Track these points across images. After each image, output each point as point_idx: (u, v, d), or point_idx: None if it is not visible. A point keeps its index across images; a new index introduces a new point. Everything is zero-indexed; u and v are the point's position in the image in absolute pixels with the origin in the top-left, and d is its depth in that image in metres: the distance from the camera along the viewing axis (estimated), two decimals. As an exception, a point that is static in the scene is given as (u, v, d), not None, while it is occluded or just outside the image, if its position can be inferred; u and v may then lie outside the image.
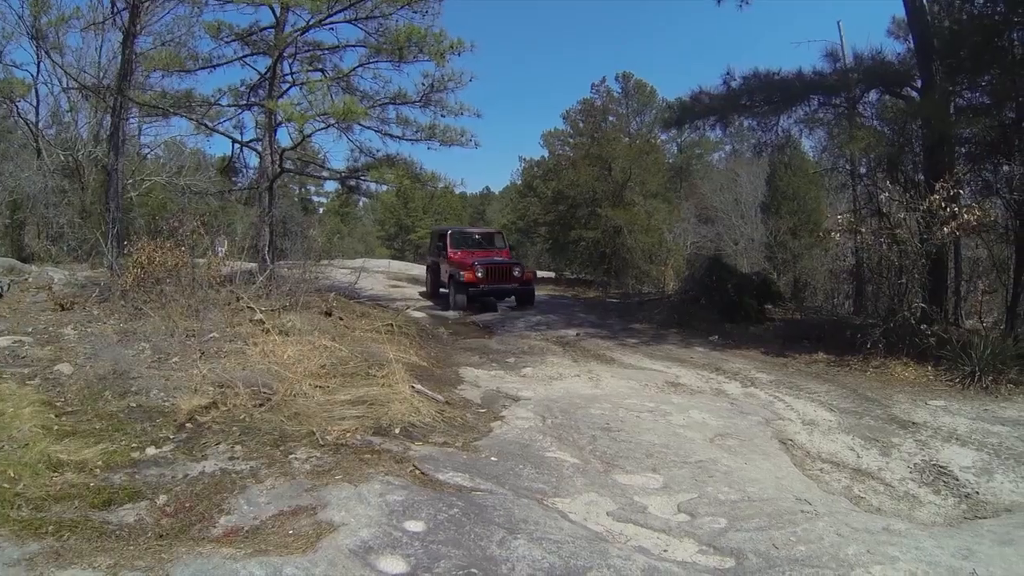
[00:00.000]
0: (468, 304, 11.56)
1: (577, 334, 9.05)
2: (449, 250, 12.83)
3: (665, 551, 2.77)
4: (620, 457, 3.90)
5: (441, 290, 13.39)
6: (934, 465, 4.19)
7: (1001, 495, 3.77)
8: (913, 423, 4.97)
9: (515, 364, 6.79)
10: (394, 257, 35.17)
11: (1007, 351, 6.13)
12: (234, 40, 10.20)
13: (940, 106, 8.32)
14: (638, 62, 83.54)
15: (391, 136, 11.54)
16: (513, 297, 12.50)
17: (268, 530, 2.69)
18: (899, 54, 9.97)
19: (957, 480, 3.95)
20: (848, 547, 2.84)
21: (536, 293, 13.18)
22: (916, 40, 9.07)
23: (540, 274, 19.80)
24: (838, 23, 11.60)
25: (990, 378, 5.91)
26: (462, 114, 11.20)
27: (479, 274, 11.68)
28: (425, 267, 15.57)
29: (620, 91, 21.99)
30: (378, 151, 12.09)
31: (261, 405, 4.34)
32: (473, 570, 2.41)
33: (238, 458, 3.49)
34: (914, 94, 9.34)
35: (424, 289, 15.01)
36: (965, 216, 6.74)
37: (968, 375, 6.02)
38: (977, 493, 3.79)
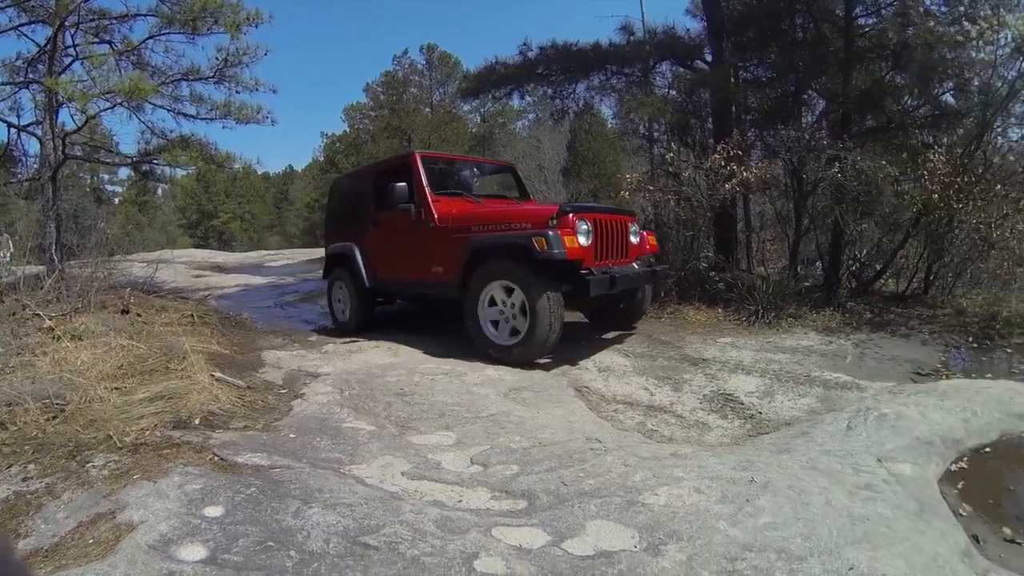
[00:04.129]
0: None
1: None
2: (428, 194, 5.79)
3: (459, 502, 2.70)
4: (414, 419, 3.78)
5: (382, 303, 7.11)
6: (722, 394, 4.33)
7: (781, 412, 3.96)
8: (703, 359, 5.15)
9: (317, 342, 6.40)
10: (198, 246, 32.50)
11: (786, 290, 6.66)
12: (9, 6, 8.56)
13: (725, 77, 9.24)
14: (449, 38, 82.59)
15: (185, 115, 10.45)
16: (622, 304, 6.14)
17: (68, 544, 2.43)
18: (688, 30, 10.72)
19: (742, 404, 4.11)
20: (635, 475, 2.83)
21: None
22: (709, 19, 9.84)
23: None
24: (640, 1, 12.22)
25: (772, 314, 6.38)
26: (258, 90, 10.47)
27: (584, 240, 4.82)
28: (324, 263, 7.70)
29: (424, 63, 21.70)
30: (172, 132, 10.86)
31: (54, 418, 3.89)
32: (270, 543, 2.33)
33: (32, 477, 3.08)
34: (705, 67, 10.08)
35: (332, 312, 7.46)
36: (744, 174, 7.29)
37: (753, 313, 6.48)
38: (760, 413, 3.96)
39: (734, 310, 6.74)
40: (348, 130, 19.77)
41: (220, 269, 15.79)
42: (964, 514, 2.83)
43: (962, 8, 7.73)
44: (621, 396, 4.38)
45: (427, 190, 5.84)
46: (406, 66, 19.92)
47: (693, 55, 10.31)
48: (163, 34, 9.57)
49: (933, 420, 3.58)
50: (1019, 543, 2.67)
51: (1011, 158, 7.28)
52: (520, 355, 4.83)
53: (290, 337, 6.74)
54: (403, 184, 5.78)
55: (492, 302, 5.07)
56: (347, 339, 6.26)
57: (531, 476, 2.91)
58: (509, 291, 4.92)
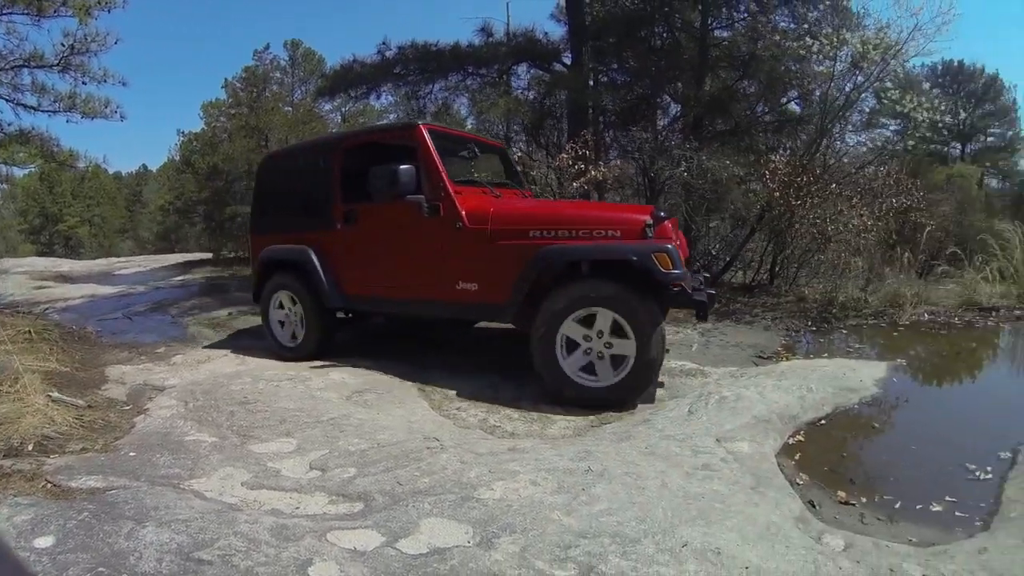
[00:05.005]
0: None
1: (230, 313, 8.07)
2: (449, 184, 4.39)
3: (297, 508, 2.64)
4: (256, 427, 3.63)
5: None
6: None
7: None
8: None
9: (165, 354, 5.88)
10: (41, 253, 29.43)
11: None
12: None
13: (582, 80, 9.46)
14: (315, 34, 79.77)
15: (25, 107, 9.23)
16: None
17: None
18: (547, 34, 10.89)
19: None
20: (471, 471, 2.81)
21: (193, 276, 10.42)
22: (571, 24, 9.95)
23: (197, 256, 17.79)
24: (507, 4, 12.35)
25: None
26: (106, 81, 9.32)
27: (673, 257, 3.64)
28: (256, 270, 5.70)
29: (288, 59, 20.82)
30: (10, 124, 9.56)
31: None
32: (100, 569, 2.19)
33: None
34: (565, 70, 10.26)
35: (271, 335, 5.51)
36: (592, 173, 7.35)
37: None
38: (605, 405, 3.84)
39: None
40: (205, 128, 18.55)
41: (65, 279, 14.25)
42: (801, 483, 2.94)
43: (807, 25, 8.38)
44: (467, 393, 4.21)
45: (446, 178, 4.39)
46: (267, 62, 19.00)
47: (551, 58, 10.51)
48: (5, 13, 8.44)
49: (771, 399, 3.71)
50: (852, 504, 2.79)
51: (845, 160, 7.92)
52: (616, 397, 3.76)
53: (137, 350, 6.11)
54: (410, 168, 4.34)
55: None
56: (322, 363, 5.04)
57: (368, 478, 2.85)
58: (593, 318, 3.77)
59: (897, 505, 2.79)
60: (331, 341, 5.29)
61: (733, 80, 8.90)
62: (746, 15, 9.16)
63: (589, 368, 3.79)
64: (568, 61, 10.11)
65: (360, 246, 4.84)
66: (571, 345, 3.82)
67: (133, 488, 2.85)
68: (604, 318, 3.70)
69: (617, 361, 3.73)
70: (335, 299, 4.95)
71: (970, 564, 2.29)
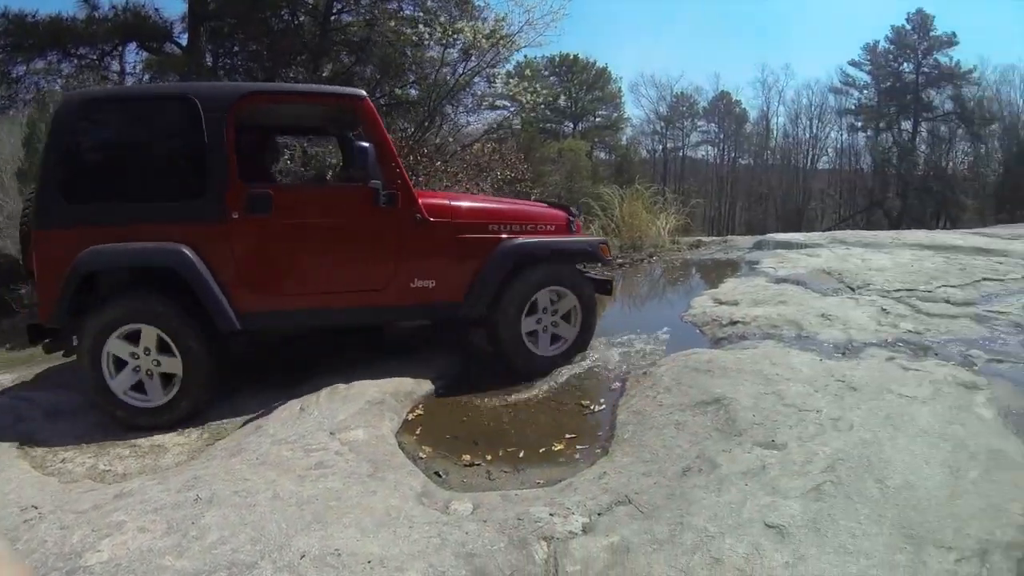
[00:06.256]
0: None
1: None
2: (404, 171, 4.10)
3: None
4: None
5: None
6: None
7: (245, 409, 3.65)
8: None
9: None
10: None
11: None
12: None
13: (196, 63, 8.61)
14: None
15: None
16: None
17: None
18: (157, 10, 9.72)
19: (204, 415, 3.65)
20: (73, 536, 2.38)
21: None
22: (190, 2, 9.04)
23: None
24: None
25: None
26: None
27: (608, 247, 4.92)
28: (58, 289, 3.38)
29: None
30: None
31: None
32: None
33: None
34: (179, 51, 9.35)
35: (103, 394, 3.51)
36: None
37: None
38: (221, 421, 3.57)
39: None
40: None
41: None
42: (424, 456, 3.01)
43: (421, 13, 8.76)
44: (74, 437, 3.51)
45: (400, 163, 3.97)
46: None
47: (163, 37, 9.52)
48: None
49: (381, 382, 3.70)
50: (477, 463, 2.93)
51: (451, 139, 8.55)
52: (560, 362, 4.20)
53: None
54: (368, 146, 3.66)
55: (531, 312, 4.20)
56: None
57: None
58: (558, 297, 4.27)
59: (521, 454, 3.01)
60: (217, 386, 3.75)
61: (350, 63, 8.96)
62: (371, 1, 9.26)
63: (554, 339, 4.31)
64: (184, 42, 9.22)
65: (275, 244, 3.75)
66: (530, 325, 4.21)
67: None
68: (553, 295, 4.23)
69: (556, 338, 4.31)
70: (231, 321, 3.57)
71: (592, 490, 2.55)
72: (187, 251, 3.47)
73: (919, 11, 39.68)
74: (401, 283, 3.93)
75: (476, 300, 4.00)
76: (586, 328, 4.30)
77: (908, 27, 40.33)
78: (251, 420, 3.45)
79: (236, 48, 9.63)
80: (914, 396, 3.26)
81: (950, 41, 39.31)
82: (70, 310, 3.42)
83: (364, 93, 4.06)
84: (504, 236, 4.06)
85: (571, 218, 4.48)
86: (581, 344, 4.31)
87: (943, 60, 39.67)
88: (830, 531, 2.18)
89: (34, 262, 3.53)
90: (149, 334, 3.46)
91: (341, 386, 3.61)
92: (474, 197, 5.65)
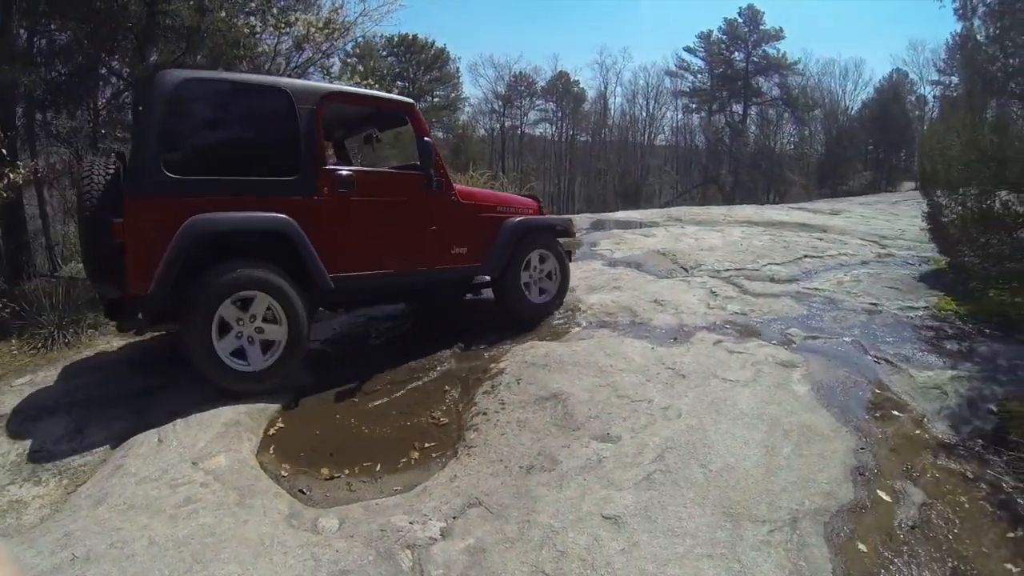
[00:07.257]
0: None
1: None
2: (442, 162, 5.12)
3: None
4: None
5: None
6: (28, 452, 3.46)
7: (96, 443, 3.49)
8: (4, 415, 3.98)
9: None
10: None
11: (80, 297, 5.65)
12: None
13: (7, 47, 7.42)
14: None
15: None
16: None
17: None
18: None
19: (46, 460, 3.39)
20: None
21: None
22: None
23: None
24: None
25: (72, 331, 5.37)
26: None
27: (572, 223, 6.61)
28: (161, 277, 3.59)
29: None
30: None
31: None
32: None
33: None
34: None
35: (212, 361, 3.75)
36: (11, 176, 5.91)
37: (48, 337, 5.26)
38: (68, 462, 3.35)
39: (28, 337, 5.35)
40: None
41: None
42: (286, 475, 3.02)
43: (254, 4, 8.35)
44: None
45: (441, 157, 5.03)
46: None
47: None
48: None
49: (241, 403, 3.67)
50: (337, 476, 3.01)
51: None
52: (552, 308, 5.52)
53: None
54: (431, 142, 4.70)
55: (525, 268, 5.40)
56: None
57: None
58: (543, 259, 5.51)
59: (378, 467, 3.11)
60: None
61: (179, 53, 8.39)
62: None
63: (540, 291, 5.52)
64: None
65: (355, 217, 4.37)
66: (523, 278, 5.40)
67: None
68: (541, 257, 5.48)
69: (543, 291, 5.53)
70: (327, 282, 4.13)
71: (446, 494, 2.74)
72: (293, 223, 3.96)
73: (750, 6, 44.32)
74: (445, 250, 4.89)
75: (494, 263, 5.12)
76: (563, 283, 5.62)
77: (740, 20, 44.57)
78: (109, 458, 3.30)
79: (53, 27, 8.54)
80: (736, 380, 3.73)
81: (778, 35, 44.68)
82: (178, 278, 3.59)
83: (413, 101, 5.06)
84: (506, 216, 5.26)
85: (540, 204, 5.92)
86: (560, 295, 5.59)
87: (771, 52, 44.79)
88: (660, 517, 2.55)
89: (125, 232, 3.56)
90: (262, 301, 3.83)
91: (195, 412, 3.52)
92: (480, 189, 6.97)
